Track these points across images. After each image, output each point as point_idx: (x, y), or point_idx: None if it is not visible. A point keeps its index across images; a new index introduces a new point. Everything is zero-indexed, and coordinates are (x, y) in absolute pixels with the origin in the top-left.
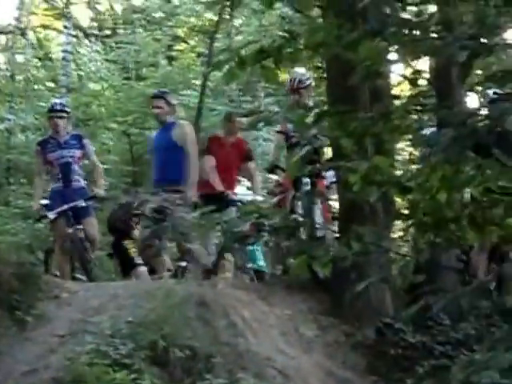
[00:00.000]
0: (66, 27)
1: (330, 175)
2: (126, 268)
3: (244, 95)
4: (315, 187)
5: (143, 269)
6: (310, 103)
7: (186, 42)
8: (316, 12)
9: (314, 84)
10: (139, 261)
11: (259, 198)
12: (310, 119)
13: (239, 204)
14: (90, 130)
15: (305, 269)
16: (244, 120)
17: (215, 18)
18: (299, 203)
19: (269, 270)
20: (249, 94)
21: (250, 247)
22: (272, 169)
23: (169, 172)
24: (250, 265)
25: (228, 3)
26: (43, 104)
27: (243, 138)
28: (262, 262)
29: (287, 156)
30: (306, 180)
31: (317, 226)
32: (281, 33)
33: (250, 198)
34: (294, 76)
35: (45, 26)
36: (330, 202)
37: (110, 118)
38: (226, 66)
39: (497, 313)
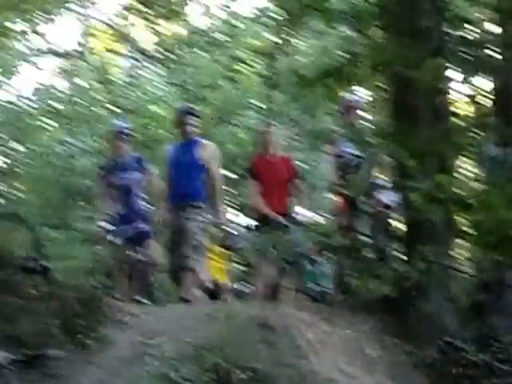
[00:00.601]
0: (126, 50)
1: (389, 194)
2: None
3: (304, 115)
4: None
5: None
6: (361, 123)
7: (246, 64)
8: (374, 31)
9: (368, 104)
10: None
11: (317, 218)
12: (369, 138)
13: (291, 225)
14: (152, 152)
15: (368, 288)
16: (274, 130)
17: (275, 39)
18: (361, 223)
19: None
20: (309, 114)
21: (311, 268)
22: (334, 189)
23: (191, 189)
24: (311, 285)
25: (288, 24)
26: (103, 127)
27: (292, 156)
28: (324, 283)
29: (340, 176)
30: (365, 199)
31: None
32: (341, 53)
33: (305, 218)
34: (345, 97)
35: (105, 49)
36: (391, 222)
37: (171, 139)
38: (289, 87)
39: None
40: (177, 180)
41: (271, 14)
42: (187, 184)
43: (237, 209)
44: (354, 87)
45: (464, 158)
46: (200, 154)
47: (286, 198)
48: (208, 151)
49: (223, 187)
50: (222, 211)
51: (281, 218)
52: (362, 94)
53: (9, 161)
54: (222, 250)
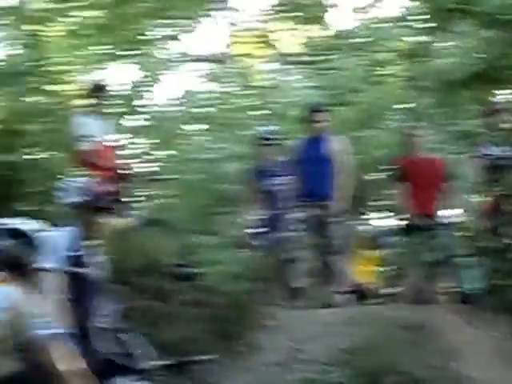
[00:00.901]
0: (270, 54)
1: None
2: None
3: (449, 117)
4: None
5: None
6: (507, 125)
7: (389, 66)
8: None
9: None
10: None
11: (464, 220)
12: None
13: (438, 227)
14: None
15: None
16: (421, 132)
17: (419, 41)
18: (507, 224)
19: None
20: (453, 116)
21: (459, 270)
22: (480, 190)
23: (319, 185)
24: (459, 287)
25: (433, 26)
26: (248, 132)
27: (440, 158)
28: (471, 285)
29: (485, 178)
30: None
31: None
32: (485, 55)
33: (453, 220)
34: (491, 99)
35: (249, 54)
36: None
37: None
38: (434, 89)
39: None
40: (305, 176)
41: (414, 17)
42: (315, 180)
43: (385, 211)
44: (498, 89)
45: None
46: (328, 149)
47: (434, 200)
48: (336, 146)
49: (351, 183)
50: (342, 206)
51: (429, 221)
52: (506, 95)
53: (157, 166)
54: (370, 252)
